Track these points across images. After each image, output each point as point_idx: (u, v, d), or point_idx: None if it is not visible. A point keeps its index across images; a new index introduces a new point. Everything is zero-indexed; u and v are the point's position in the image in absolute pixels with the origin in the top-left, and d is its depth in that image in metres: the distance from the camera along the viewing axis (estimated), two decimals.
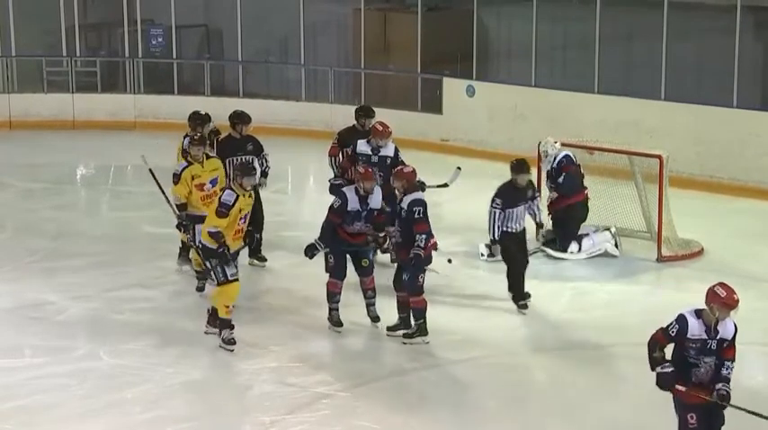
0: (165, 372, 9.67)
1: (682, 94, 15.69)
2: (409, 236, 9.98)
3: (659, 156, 12.51)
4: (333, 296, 10.45)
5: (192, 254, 11.12)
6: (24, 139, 18.16)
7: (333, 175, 12.37)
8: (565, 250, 12.48)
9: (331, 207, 10.34)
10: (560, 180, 12.43)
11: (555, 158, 12.52)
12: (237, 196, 9.83)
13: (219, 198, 9.92)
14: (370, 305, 10.53)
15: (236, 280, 9.91)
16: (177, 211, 10.99)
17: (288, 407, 9.06)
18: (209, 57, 20.08)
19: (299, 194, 16.01)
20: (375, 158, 11.65)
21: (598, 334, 10.60)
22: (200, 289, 11.14)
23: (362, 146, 11.86)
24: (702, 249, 12.76)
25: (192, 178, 10.87)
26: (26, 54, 19.64)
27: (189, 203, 10.90)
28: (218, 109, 18.86)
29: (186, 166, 10.92)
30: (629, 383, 9.56)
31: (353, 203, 10.25)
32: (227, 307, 9.93)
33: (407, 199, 10.04)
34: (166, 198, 11.26)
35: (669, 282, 12.29)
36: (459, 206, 13.81)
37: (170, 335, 10.44)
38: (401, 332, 10.27)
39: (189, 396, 9.19)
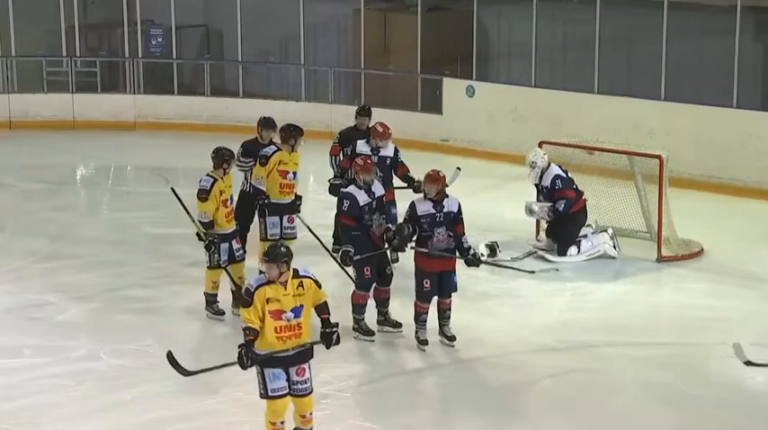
0: (164, 372, 9.63)
1: (682, 94, 15.69)
2: (456, 239, 9.94)
3: (659, 157, 12.51)
4: (362, 308, 10.33)
5: (212, 275, 10.67)
6: (24, 140, 18.16)
7: (334, 173, 12.38)
8: (564, 254, 12.47)
9: (340, 212, 10.30)
10: (560, 208, 12.39)
11: (543, 173, 12.47)
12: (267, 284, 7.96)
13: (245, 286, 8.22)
14: (386, 313, 10.45)
15: (282, 396, 8.12)
16: (205, 230, 10.46)
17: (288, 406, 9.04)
18: (209, 57, 20.09)
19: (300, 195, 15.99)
20: (375, 158, 11.64)
21: (598, 334, 10.61)
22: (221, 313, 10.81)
23: (362, 146, 11.87)
24: (702, 250, 12.75)
25: (220, 193, 10.49)
26: (26, 54, 19.63)
27: (214, 221, 10.48)
28: (219, 109, 19.09)
29: (214, 181, 10.46)
30: (630, 383, 9.57)
31: (363, 197, 10.21)
32: (273, 424, 8.22)
33: (454, 202, 9.96)
34: (191, 217, 10.70)
35: (669, 283, 12.29)
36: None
37: (170, 335, 10.43)
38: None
39: (189, 396, 9.18)
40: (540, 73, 17.03)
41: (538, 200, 12.63)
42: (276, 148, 11.26)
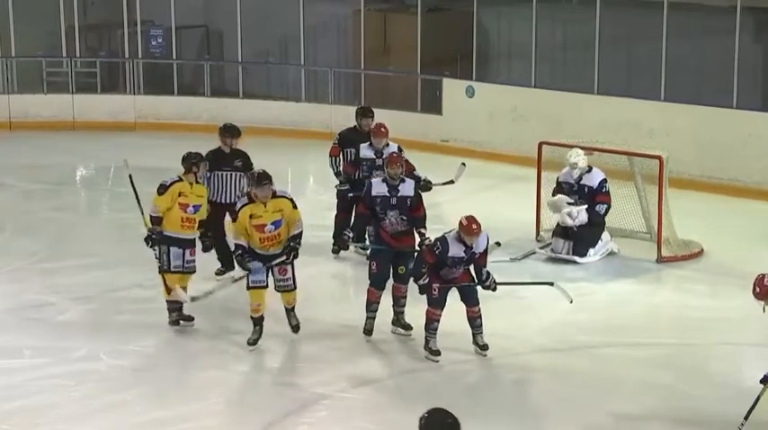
0: (164, 373, 9.67)
1: (682, 94, 15.69)
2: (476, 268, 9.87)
3: (659, 157, 12.51)
4: (369, 304, 10.29)
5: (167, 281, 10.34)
6: (24, 140, 18.17)
7: (334, 173, 12.37)
8: (584, 255, 12.44)
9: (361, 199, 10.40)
10: (601, 211, 12.37)
11: (583, 174, 12.44)
12: None
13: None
14: (399, 313, 10.42)
15: None
16: (150, 224, 10.30)
17: (287, 407, 9.05)
18: (209, 57, 20.10)
19: (300, 195, 15.96)
20: (379, 161, 11.63)
21: (598, 334, 10.61)
22: (175, 322, 10.46)
23: (365, 150, 11.84)
24: (702, 250, 12.75)
25: (179, 194, 10.30)
26: (26, 55, 19.64)
27: (165, 221, 10.25)
28: (219, 110, 19.10)
29: (177, 181, 10.32)
30: (630, 383, 9.56)
31: (378, 188, 10.16)
32: None
33: (483, 241, 9.71)
34: (141, 209, 10.65)
35: (669, 283, 12.30)
36: (460, 206, 13.69)
37: (170, 335, 10.44)
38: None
39: (188, 396, 9.19)
40: (540, 73, 17.04)
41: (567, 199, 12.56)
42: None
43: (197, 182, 10.48)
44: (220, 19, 20.39)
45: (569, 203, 12.44)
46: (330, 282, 11.60)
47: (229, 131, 11.64)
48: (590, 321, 10.88)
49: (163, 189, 10.30)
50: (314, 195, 15.01)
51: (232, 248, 10.23)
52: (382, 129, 11.91)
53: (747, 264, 12.27)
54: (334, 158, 12.44)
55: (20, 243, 13.23)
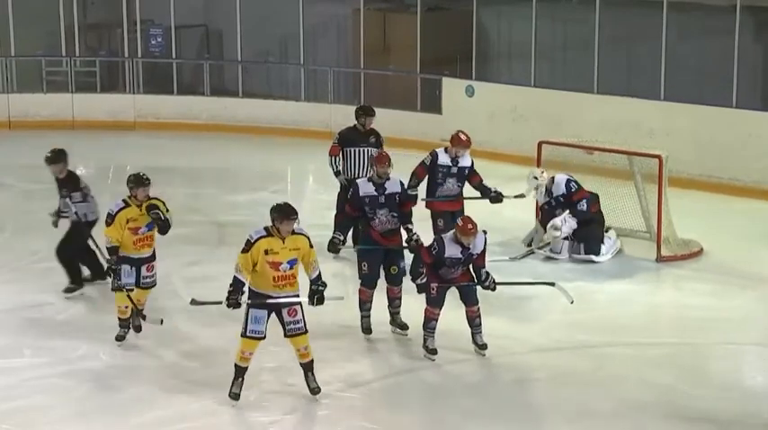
0: (164, 373, 9.67)
1: (682, 94, 15.69)
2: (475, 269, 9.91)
3: (659, 157, 12.52)
4: (363, 304, 10.33)
5: (116, 299, 10.24)
6: (24, 140, 18.15)
7: (334, 173, 12.35)
8: (598, 253, 12.45)
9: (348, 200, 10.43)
10: (583, 208, 12.40)
11: (549, 188, 12.48)
12: None
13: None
14: (395, 314, 10.42)
15: None
16: (107, 255, 10.13)
17: (287, 407, 9.06)
18: (208, 57, 20.09)
19: (299, 194, 15.99)
20: (454, 169, 11.60)
21: (598, 334, 10.61)
22: (121, 338, 10.26)
23: (442, 156, 11.68)
24: (702, 249, 12.75)
25: (128, 221, 10.03)
26: (26, 54, 19.63)
27: (120, 245, 10.08)
28: (219, 109, 19.11)
29: (123, 208, 10.07)
30: (630, 383, 9.56)
31: (365, 188, 10.17)
32: None
33: (480, 241, 9.71)
34: (98, 249, 10.60)
35: (669, 283, 12.31)
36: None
37: (169, 335, 10.43)
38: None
39: (188, 396, 9.18)
40: (540, 73, 17.03)
41: (554, 214, 12.55)
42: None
43: (148, 198, 10.21)
44: (220, 18, 20.39)
45: (555, 229, 12.47)
46: (329, 281, 11.48)
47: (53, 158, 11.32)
48: (590, 321, 10.88)
49: (110, 219, 10.11)
50: (314, 195, 15.02)
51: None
52: (462, 137, 11.73)
53: (747, 263, 12.33)
54: (333, 158, 12.44)
55: (20, 243, 13.22)
